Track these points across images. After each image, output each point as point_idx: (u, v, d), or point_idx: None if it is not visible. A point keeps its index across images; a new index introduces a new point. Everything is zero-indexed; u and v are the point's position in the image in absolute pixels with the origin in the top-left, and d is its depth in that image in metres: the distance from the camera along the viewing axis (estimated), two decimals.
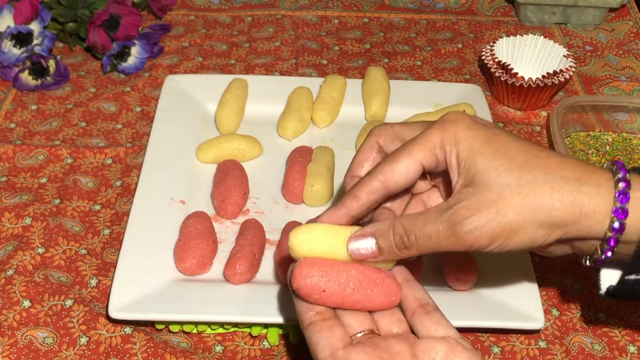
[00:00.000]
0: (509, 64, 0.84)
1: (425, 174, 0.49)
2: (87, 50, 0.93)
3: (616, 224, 0.44)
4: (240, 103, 0.80)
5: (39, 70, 0.86)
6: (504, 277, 0.64)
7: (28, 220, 0.71)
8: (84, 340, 0.61)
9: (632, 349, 0.63)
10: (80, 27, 0.90)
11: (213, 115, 0.81)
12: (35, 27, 0.85)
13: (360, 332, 0.46)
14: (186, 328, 0.62)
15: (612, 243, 0.44)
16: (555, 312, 0.65)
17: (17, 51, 0.85)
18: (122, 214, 0.72)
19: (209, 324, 0.62)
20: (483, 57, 0.87)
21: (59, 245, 0.69)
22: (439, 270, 0.64)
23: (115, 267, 0.63)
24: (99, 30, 0.86)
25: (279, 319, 0.60)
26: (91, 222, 0.72)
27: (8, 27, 0.84)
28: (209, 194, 0.72)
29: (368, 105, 0.81)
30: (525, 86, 0.83)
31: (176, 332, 0.63)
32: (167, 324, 0.62)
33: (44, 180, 0.75)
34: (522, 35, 0.88)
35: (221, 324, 0.62)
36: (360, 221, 0.50)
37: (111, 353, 0.60)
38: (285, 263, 0.63)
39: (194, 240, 0.64)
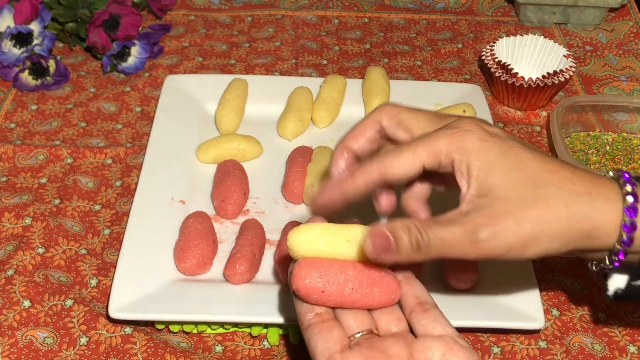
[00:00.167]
0: (509, 64, 0.84)
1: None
2: (87, 50, 0.93)
3: (625, 237, 0.45)
4: (240, 103, 0.80)
5: (39, 70, 0.86)
6: (504, 277, 0.64)
7: (28, 220, 0.71)
8: (84, 340, 0.61)
9: (632, 349, 0.63)
10: (80, 27, 0.90)
11: (213, 115, 0.81)
12: (35, 27, 0.85)
13: (359, 333, 0.46)
14: (186, 328, 0.62)
15: (620, 256, 0.46)
16: (555, 312, 0.65)
17: (17, 51, 0.85)
18: (122, 214, 0.72)
19: (209, 324, 0.62)
20: (483, 57, 0.87)
21: (59, 245, 0.69)
22: (439, 270, 0.64)
23: (115, 267, 0.63)
24: (99, 30, 0.86)
25: (279, 319, 0.60)
26: (91, 222, 0.72)
27: (8, 27, 0.84)
28: (209, 194, 0.72)
29: (368, 105, 0.81)
30: (525, 86, 0.83)
31: (176, 332, 0.63)
32: (167, 324, 0.62)
33: (44, 180, 0.75)
34: (522, 35, 0.88)
35: (221, 324, 0.62)
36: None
37: (111, 353, 0.60)
38: (285, 263, 0.63)
39: (194, 240, 0.64)
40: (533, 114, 0.87)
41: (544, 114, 0.87)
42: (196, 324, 0.62)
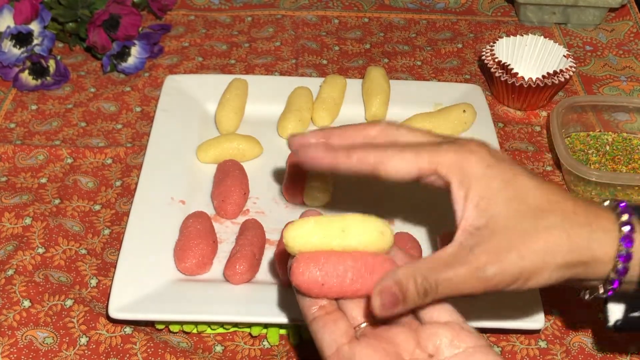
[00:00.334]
0: (509, 64, 0.84)
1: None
2: (87, 50, 0.93)
3: (620, 267, 0.45)
4: (240, 103, 0.80)
5: (39, 70, 0.86)
6: None
7: (28, 220, 0.71)
8: (84, 340, 0.61)
9: (632, 348, 0.63)
10: (80, 27, 0.90)
11: (213, 115, 0.81)
12: (35, 27, 0.85)
13: (364, 323, 0.46)
14: (186, 328, 0.62)
15: (615, 285, 0.46)
16: (555, 312, 0.65)
17: (17, 51, 0.85)
18: (122, 214, 0.72)
19: (209, 324, 0.62)
20: (483, 57, 0.87)
21: (59, 245, 0.69)
22: None
23: (115, 267, 0.63)
24: (99, 30, 0.86)
25: (279, 319, 0.60)
26: (91, 222, 0.72)
27: (8, 27, 0.84)
28: (209, 194, 0.72)
29: (368, 105, 0.82)
30: (525, 86, 0.83)
31: (176, 332, 0.63)
32: (167, 324, 0.62)
33: (44, 180, 0.75)
34: (522, 35, 0.88)
35: (221, 324, 0.62)
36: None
37: (111, 353, 0.60)
38: (285, 264, 0.63)
39: (194, 240, 0.64)
40: (533, 114, 0.87)
41: (544, 114, 0.87)
42: (196, 324, 0.62)
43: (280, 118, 0.79)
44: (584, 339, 0.63)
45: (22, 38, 0.85)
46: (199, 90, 0.82)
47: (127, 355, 0.60)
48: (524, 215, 0.45)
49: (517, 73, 0.84)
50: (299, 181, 0.71)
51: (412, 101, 0.83)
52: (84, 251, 0.69)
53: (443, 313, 0.45)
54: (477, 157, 0.46)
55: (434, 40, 0.99)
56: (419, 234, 0.68)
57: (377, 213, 0.47)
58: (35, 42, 0.86)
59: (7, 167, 0.77)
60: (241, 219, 0.70)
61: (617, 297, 0.49)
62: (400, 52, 0.96)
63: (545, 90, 0.84)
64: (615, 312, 0.50)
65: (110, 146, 0.80)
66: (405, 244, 0.64)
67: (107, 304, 0.60)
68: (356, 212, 0.47)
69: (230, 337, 0.63)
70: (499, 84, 0.86)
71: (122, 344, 0.61)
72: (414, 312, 0.46)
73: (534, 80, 0.83)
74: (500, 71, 0.85)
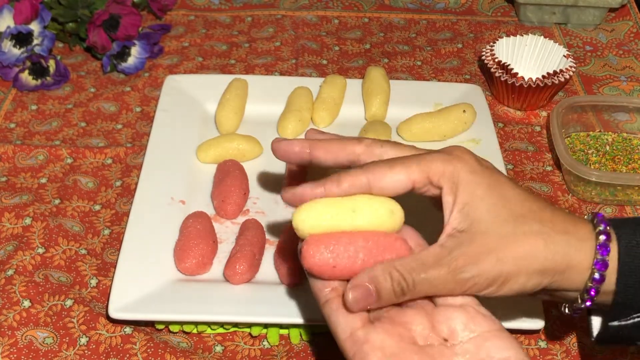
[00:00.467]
0: (509, 64, 0.84)
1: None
2: (87, 50, 0.93)
3: (597, 275, 0.46)
4: (240, 103, 0.80)
5: (39, 70, 0.86)
6: None
7: (28, 220, 0.71)
8: (84, 340, 0.61)
9: (632, 349, 0.63)
10: (80, 27, 0.90)
11: (213, 115, 0.81)
12: (35, 27, 0.85)
13: None
14: (186, 328, 0.62)
15: (592, 293, 0.47)
16: (555, 312, 0.65)
17: (17, 51, 0.85)
18: (122, 214, 0.72)
19: (209, 324, 0.62)
20: (483, 57, 0.87)
21: (59, 245, 0.69)
22: None
23: (115, 267, 0.63)
24: (99, 30, 0.86)
25: (279, 319, 0.60)
26: (91, 222, 0.72)
27: (8, 27, 0.84)
28: (209, 194, 0.72)
29: (368, 105, 0.82)
30: (525, 86, 0.83)
31: (176, 332, 0.63)
32: (167, 324, 0.62)
33: (44, 180, 0.75)
34: (522, 35, 0.88)
35: (221, 324, 0.62)
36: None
37: (111, 353, 0.60)
38: (284, 264, 0.63)
39: (194, 240, 0.64)
40: (533, 114, 0.87)
41: (544, 114, 0.87)
42: (196, 324, 0.62)
43: (280, 118, 0.79)
44: (584, 339, 0.63)
45: (22, 38, 0.85)
46: (199, 90, 0.82)
47: (127, 355, 0.60)
48: (505, 220, 0.45)
49: (517, 73, 0.84)
50: (299, 181, 0.71)
51: (412, 101, 0.83)
52: (84, 251, 0.69)
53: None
54: (464, 163, 0.47)
55: (434, 40, 0.99)
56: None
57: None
58: (35, 42, 0.86)
59: (7, 167, 0.77)
60: (241, 219, 0.70)
61: (597, 312, 0.50)
62: (400, 52, 0.96)
63: (545, 90, 0.84)
64: (597, 325, 0.51)
65: (110, 146, 0.80)
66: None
67: (107, 304, 0.60)
68: None
69: (230, 337, 0.63)
70: (499, 84, 0.86)
71: (122, 344, 0.61)
72: None
73: (534, 80, 0.83)
74: (500, 71, 0.85)
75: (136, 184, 0.72)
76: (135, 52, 0.89)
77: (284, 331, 0.63)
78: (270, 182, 0.74)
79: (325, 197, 0.46)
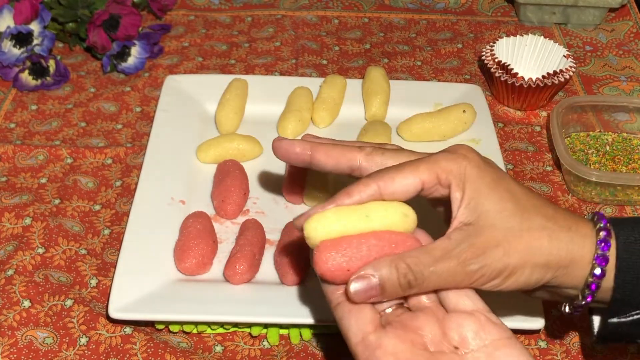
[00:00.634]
0: (509, 64, 0.84)
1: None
2: (87, 50, 0.93)
3: (597, 270, 0.47)
4: (240, 103, 0.80)
5: (39, 70, 0.86)
6: None
7: (28, 220, 0.71)
8: (84, 340, 0.61)
9: (632, 349, 0.63)
10: (80, 27, 0.90)
11: (213, 115, 0.81)
12: (35, 27, 0.85)
13: (389, 308, 0.46)
14: (186, 328, 0.62)
15: (593, 287, 0.47)
16: (555, 312, 0.65)
17: (17, 51, 0.85)
18: (122, 214, 0.72)
19: (209, 324, 0.62)
20: (483, 57, 0.87)
21: (59, 245, 0.69)
22: None
23: (115, 267, 0.63)
24: (99, 30, 0.86)
25: (279, 319, 0.60)
26: (91, 222, 0.72)
27: (8, 27, 0.84)
28: (209, 194, 0.72)
29: (368, 105, 0.81)
30: (525, 86, 0.83)
31: (176, 332, 0.63)
32: (167, 324, 0.62)
33: (44, 180, 0.75)
34: (522, 35, 0.88)
35: (221, 324, 0.62)
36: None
37: (111, 353, 0.60)
38: (285, 264, 0.63)
39: (194, 240, 0.64)
40: (533, 114, 0.87)
41: (544, 114, 0.87)
42: (196, 324, 0.62)
43: (280, 118, 0.79)
44: (584, 339, 0.63)
45: (22, 38, 0.85)
46: (199, 90, 0.82)
47: (127, 355, 0.60)
48: (511, 214, 0.46)
49: (517, 73, 0.84)
50: (299, 181, 0.71)
51: (412, 101, 0.83)
52: (84, 251, 0.69)
53: (467, 300, 0.46)
54: (469, 160, 0.47)
55: (434, 40, 0.99)
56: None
57: None
58: (35, 42, 0.86)
59: (7, 167, 0.77)
60: (241, 219, 0.70)
61: (597, 311, 0.51)
62: (400, 52, 0.96)
63: (545, 90, 0.84)
64: (597, 323, 0.51)
65: (110, 146, 0.80)
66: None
67: (107, 304, 0.60)
68: None
69: (230, 337, 0.63)
70: (499, 84, 0.86)
71: (122, 344, 0.61)
72: (438, 294, 0.47)
73: (534, 80, 0.83)
74: (500, 71, 0.85)
75: (136, 184, 0.72)
76: (135, 52, 0.89)
77: (284, 331, 0.63)
78: (270, 182, 0.74)
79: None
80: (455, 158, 0.47)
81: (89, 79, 0.89)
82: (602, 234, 0.47)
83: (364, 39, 0.98)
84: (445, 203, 0.49)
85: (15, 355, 0.60)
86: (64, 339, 0.61)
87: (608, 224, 0.48)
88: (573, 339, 0.63)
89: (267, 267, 0.65)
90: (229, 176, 0.71)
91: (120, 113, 0.85)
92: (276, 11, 1.02)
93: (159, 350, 0.61)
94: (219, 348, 0.62)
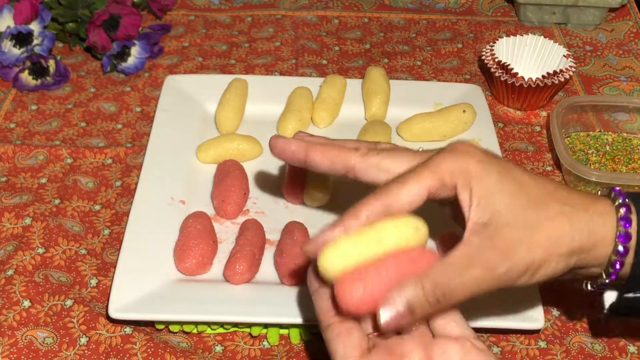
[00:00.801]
0: (509, 64, 0.84)
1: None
2: (87, 50, 0.93)
3: (620, 248, 0.46)
4: (240, 103, 0.80)
5: (39, 70, 0.86)
6: None
7: (28, 220, 0.71)
8: (84, 340, 0.61)
9: (632, 349, 0.63)
10: (80, 27, 0.90)
11: (213, 115, 0.81)
12: (35, 27, 0.85)
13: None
14: (186, 328, 0.62)
15: (617, 266, 0.47)
16: (555, 312, 0.65)
17: (17, 51, 0.85)
18: (122, 214, 0.72)
19: (209, 324, 0.62)
20: (483, 57, 0.87)
21: (59, 245, 0.69)
22: None
23: (115, 267, 0.63)
24: (99, 30, 0.86)
25: (279, 319, 0.60)
26: (91, 222, 0.72)
27: (8, 27, 0.84)
28: (209, 194, 0.72)
29: (368, 105, 0.82)
30: (525, 86, 0.83)
31: (176, 332, 0.63)
32: (167, 324, 0.62)
33: (44, 180, 0.75)
34: (522, 35, 0.88)
35: (221, 324, 0.62)
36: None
37: (111, 353, 0.60)
38: (285, 264, 0.63)
39: (194, 240, 0.64)
40: (533, 114, 0.87)
41: (544, 114, 0.87)
42: (196, 324, 0.62)
43: (280, 118, 0.79)
44: (584, 339, 0.63)
45: (22, 38, 0.85)
46: (199, 90, 0.82)
47: (127, 355, 0.60)
48: (526, 207, 0.45)
49: (517, 73, 0.84)
50: (299, 181, 0.71)
51: (412, 101, 0.83)
52: (84, 251, 0.69)
53: (454, 326, 0.45)
54: (471, 155, 0.46)
55: (434, 40, 0.99)
56: None
57: None
58: (35, 42, 0.86)
59: (7, 167, 0.77)
60: (241, 219, 0.70)
61: (614, 286, 0.50)
62: (400, 52, 0.96)
63: (545, 90, 0.84)
64: (610, 297, 0.50)
65: (110, 146, 0.80)
66: None
67: (107, 304, 0.60)
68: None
69: (230, 337, 0.63)
70: (499, 84, 0.86)
71: (122, 344, 0.61)
72: (428, 320, 0.46)
73: (534, 80, 0.83)
74: (500, 71, 0.85)
75: (136, 184, 0.72)
76: (135, 52, 0.89)
77: (284, 331, 0.63)
78: (270, 182, 0.74)
79: (333, 237, 0.45)
80: (457, 157, 0.46)
81: (89, 79, 0.89)
82: (623, 210, 0.46)
83: (364, 39, 0.98)
84: (452, 202, 0.48)
85: (15, 355, 0.60)
86: (64, 339, 0.61)
87: (627, 199, 0.46)
88: (573, 339, 0.63)
89: (267, 267, 0.65)
90: (229, 176, 0.71)
91: (120, 113, 0.85)
92: (276, 11, 1.02)
93: (159, 350, 0.61)
94: (219, 348, 0.62)
